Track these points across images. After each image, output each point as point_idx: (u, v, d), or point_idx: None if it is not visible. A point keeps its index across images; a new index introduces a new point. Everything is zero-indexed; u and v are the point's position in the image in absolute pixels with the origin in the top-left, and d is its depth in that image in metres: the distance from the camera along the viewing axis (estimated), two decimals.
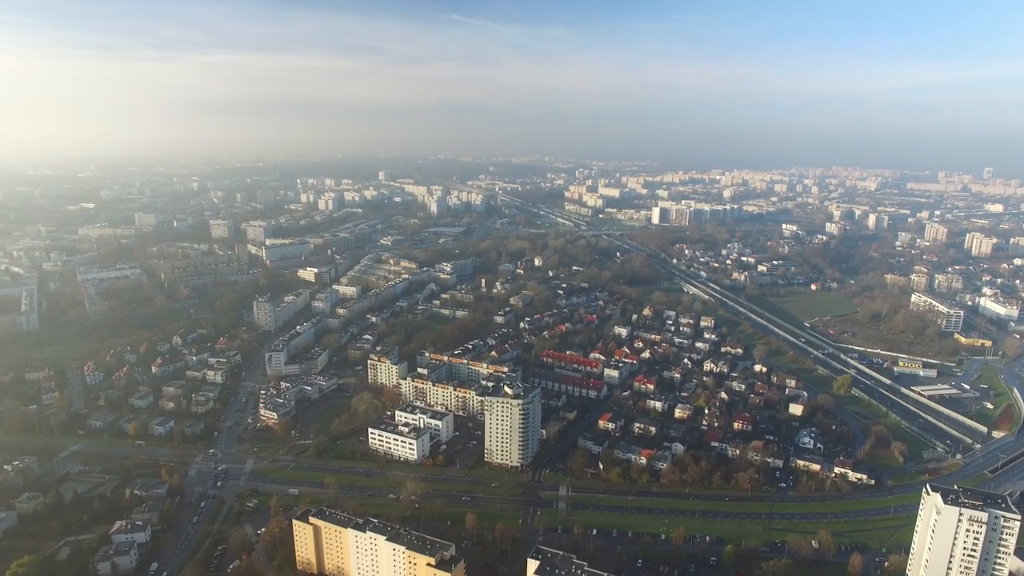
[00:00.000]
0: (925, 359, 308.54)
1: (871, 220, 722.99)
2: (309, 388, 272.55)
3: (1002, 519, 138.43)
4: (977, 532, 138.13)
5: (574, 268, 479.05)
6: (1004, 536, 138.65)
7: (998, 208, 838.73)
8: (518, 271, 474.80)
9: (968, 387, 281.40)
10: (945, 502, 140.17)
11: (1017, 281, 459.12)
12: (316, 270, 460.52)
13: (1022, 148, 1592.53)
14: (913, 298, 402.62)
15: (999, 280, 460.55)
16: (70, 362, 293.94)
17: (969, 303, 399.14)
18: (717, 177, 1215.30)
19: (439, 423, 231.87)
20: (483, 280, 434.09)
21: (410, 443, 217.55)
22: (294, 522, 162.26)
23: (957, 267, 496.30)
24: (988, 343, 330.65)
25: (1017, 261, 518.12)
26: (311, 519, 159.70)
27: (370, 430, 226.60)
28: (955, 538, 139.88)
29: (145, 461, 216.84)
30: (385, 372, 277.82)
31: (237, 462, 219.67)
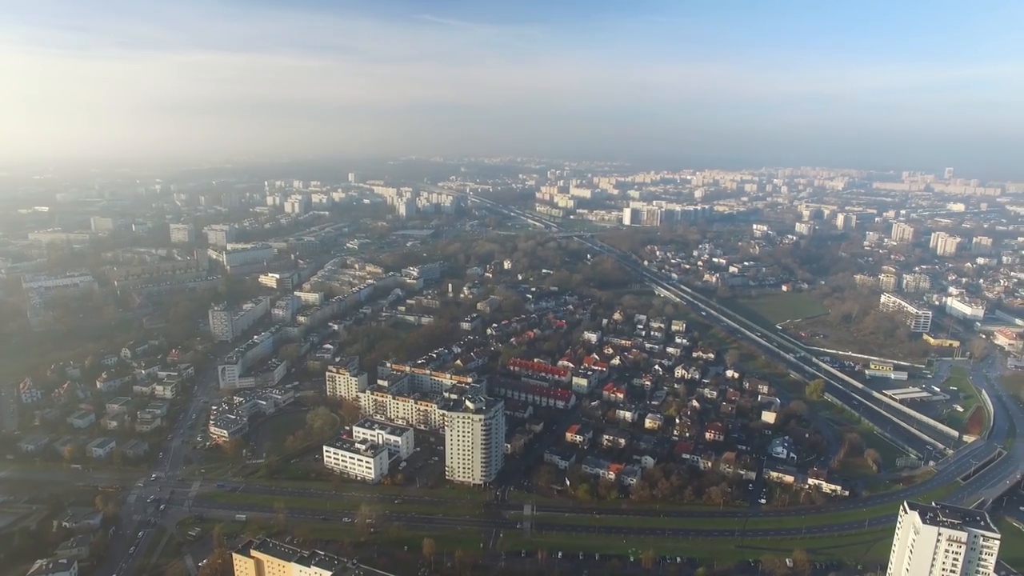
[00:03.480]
0: (896, 361, 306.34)
1: (839, 220, 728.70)
2: (264, 403, 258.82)
3: (981, 538, 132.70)
4: (956, 552, 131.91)
5: (544, 271, 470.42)
6: (983, 556, 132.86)
7: (960, 207, 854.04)
8: (487, 275, 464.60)
9: (938, 389, 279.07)
10: (924, 521, 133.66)
11: (981, 280, 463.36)
12: (278, 276, 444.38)
13: (980, 148, 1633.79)
14: (883, 299, 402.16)
15: (964, 280, 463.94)
16: (5, 378, 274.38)
17: (936, 303, 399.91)
18: (688, 177, 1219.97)
19: (399, 439, 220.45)
20: (450, 285, 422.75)
21: (367, 461, 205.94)
22: (234, 556, 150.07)
23: (924, 266, 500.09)
24: (956, 344, 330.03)
25: (980, 260, 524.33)
26: (253, 552, 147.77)
27: (325, 448, 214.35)
28: (934, 558, 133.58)
29: (81, 488, 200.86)
30: (344, 384, 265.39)
31: (182, 486, 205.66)
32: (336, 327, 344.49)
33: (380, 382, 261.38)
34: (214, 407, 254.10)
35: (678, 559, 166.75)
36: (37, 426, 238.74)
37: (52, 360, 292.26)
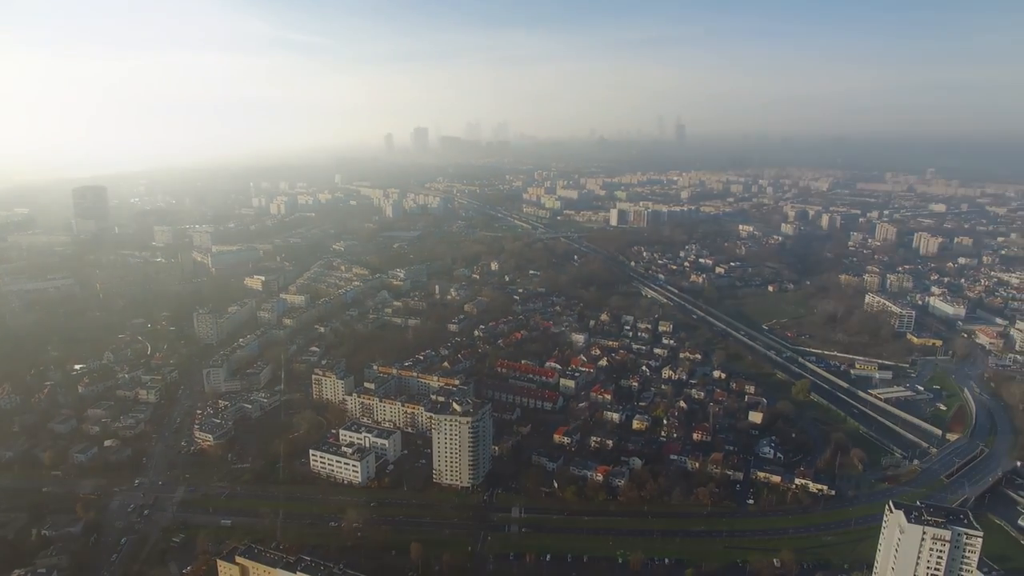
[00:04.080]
0: (880, 360, 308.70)
1: (824, 220, 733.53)
2: (249, 406, 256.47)
3: (964, 536, 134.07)
4: (940, 551, 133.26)
5: (531, 272, 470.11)
6: (967, 553, 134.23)
7: (941, 208, 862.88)
8: (473, 276, 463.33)
9: (922, 388, 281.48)
10: (908, 520, 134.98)
11: (962, 280, 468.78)
12: (263, 278, 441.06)
13: (960, 150, 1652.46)
14: (867, 298, 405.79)
15: (946, 279, 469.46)
16: None
17: (919, 303, 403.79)
18: (675, 178, 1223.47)
19: (385, 442, 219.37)
20: (437, 286, 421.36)
21: (354, 465, 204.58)
22: (219, 562, 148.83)
23: (907, 266, 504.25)
24: (939, 343, 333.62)
25: (962, 260, 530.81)
26: (238, 558, 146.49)
27: (311, 451, 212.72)
28: (919, 557, 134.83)
29: (61, 495, 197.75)
30: (330, 387, 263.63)
31: (166, 491, 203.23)
32: (322, 329, 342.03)
33: (367, 385, 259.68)
34: (199, 411, 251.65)
35: (666, 560, 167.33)
36: (16, 432, 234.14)
37: (32, 364, 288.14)
